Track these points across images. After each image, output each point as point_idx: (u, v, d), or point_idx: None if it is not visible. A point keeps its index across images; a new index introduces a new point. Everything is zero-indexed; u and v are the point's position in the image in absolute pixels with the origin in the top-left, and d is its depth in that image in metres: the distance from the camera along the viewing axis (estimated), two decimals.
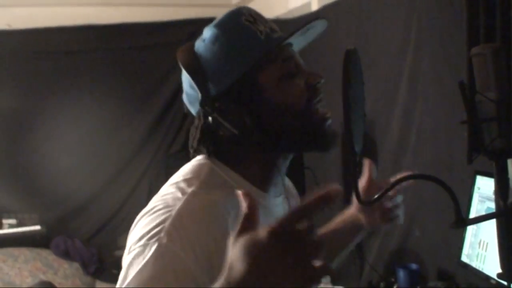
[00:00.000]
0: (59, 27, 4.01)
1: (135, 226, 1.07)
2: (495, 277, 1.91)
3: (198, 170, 1.15)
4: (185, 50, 1.17)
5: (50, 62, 4.06)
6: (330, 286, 2.34)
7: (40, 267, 3.76)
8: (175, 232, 1.00)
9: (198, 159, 1.19)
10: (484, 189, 2.15)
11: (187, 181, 1.12)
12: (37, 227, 3.92)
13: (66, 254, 3.89)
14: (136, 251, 1.00)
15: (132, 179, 4.06)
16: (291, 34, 1.14)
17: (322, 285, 2.33)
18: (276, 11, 4.01)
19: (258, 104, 1.13)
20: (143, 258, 0.98)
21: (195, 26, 3.68)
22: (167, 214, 1.03)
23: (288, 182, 1.37)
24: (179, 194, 1.08)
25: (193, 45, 1.18)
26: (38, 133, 4.03)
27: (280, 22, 3.83)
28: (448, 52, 2.35)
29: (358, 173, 1.23)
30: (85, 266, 3.89)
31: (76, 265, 3.87)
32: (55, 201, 4.07)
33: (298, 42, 1.23)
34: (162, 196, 1.10)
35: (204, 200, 1.07)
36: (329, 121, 1.19)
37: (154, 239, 1.00)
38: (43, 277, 3.63)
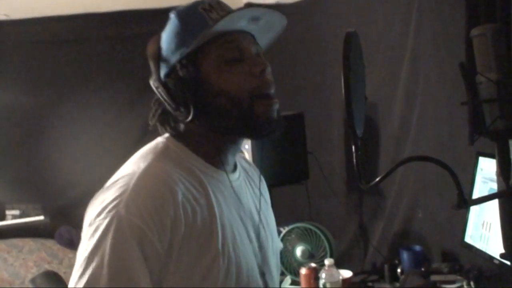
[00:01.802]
0: (58, 16, 3.98)
1: (94, 200, 1.13)
2: (498, 258, 1.92)
3: (152, 147, 1.23)
4: (154, 37, 1.26)
5: (50, 52, 4.03)
6: (335, 268, 2.35)
7: (44, 257, 3.77)
8: (133, 204, 1.06)
9: (157, 138, 1.27)
10: (487, 170, 2.15)
11: (143, 156, 1.19)
12: (41, 218, 3.93)
13: (70, 244, 3.90)
14: (96, 223, 1.07)
15: None
16: (223, 17, 1.15)
17: (326, 267, 2.33)
18: None
19: (197, 86, 1.17)
20: (104, 231, 1.05)
21: None
22: (125, 188, 1.09)
23: (245, 163, 1.45)
24: (135, 168, 1.14)
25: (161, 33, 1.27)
26: (39, 123, 4.02)
27: (282, 7, 3.85)
28: (450, 34, 2.34)
29: (360, 156, 1.22)
30: None
31: None
32: (58, 191, 4.07)
33: (260, 36, 1.25)
34: (120, 171, 1.17)
35: (158, 171, 1.14)
36: (274, 110, 1.20)
37: (113, 212, 1.06)
38: (48, 267, 3.64)
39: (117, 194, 1.09)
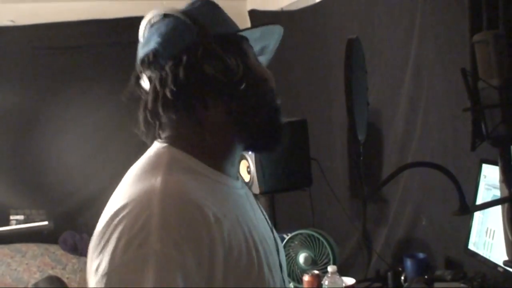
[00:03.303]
0: (63, 22, 4.01)
1: (106, 236, 0.95)
2: (502, 265, 1.91)
3: (157, 160, 1.08)
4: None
5: (55, 58, 4.06)
6: (338, 276, 2.34)
7: (48, 263, 3.77)
8: (166, 235, 0.91)
9: (152, 150, 1.14)
10: (490, 177, 2.14)
11: (150, 171, 1.04)
12: (45, 223, 3.94)
13: (74, 249, 3.91)
14: (125, 262, 0.90)
15: None
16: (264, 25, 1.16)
17: (329, 275, 2.33)
18: (281, 2, 4.00)
19: (246, 65, 1.11)
20: (140, 270, 0.88)
21: None
22: (147, 213, 0.93)
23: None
24: (148, 187, 0.99)
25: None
26: (44, 129, 4.04)
27: (285, 14, 3.86)
28: (454, 40, 2.33)
29: (362, 162, 1.22)
30: None
31: (84, 259, 3.86)
32: (62, 197, 4.09)
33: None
34: (125, 194, 1.00)
35: (179, 187, 0.99)
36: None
37: (144, 248, 0.90)
38: (51, 272, 3.65)
39: (140, 223, 0.92)
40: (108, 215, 0.98)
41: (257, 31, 1.17)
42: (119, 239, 0.91)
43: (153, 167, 1.05)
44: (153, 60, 1.08)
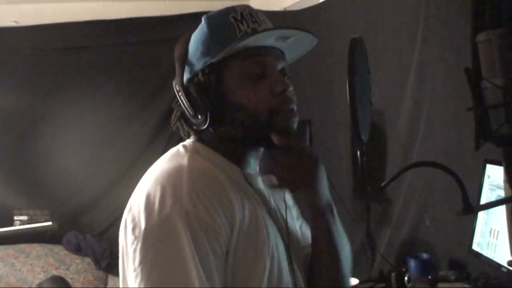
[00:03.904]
0: (66, 23, 4.01)
1: (137, 197, 1.10)
2: (506, 265, 1.90)
3: (183, 150, 1.20)
4: (183, 38, 1.23)
5: (58, 58, 4.06)
6: None
7: (52, 263, 3.78)
8: (196, 197, 1.03)
9: (175, 147, 1.24)
10: (494, 177, 2.14)
11: (176, 155, 1.18)
12: (49, 223, 3.94)
13: (78, 250, 3.91)
14: (162, 220, 1.02)
15: (143, 173, 4.00)
16: (251, 35, 1.15)
17: None
18: (284, 2, 3.99)
19: (217, 97, 1.16)
20: (173, 228, 1.01)
21: None
22: (179, 182, 1.06)
23: None
24: (176, 164, 1.13)
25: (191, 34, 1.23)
26: (48, 129, 4.04)
27: (288, 14, 3.85)
28: (457, 40, 2.33)
29: (366, 162, 1.22)
30: (97, 261, 3.90)
31: (88, 260, 3.89)
32: (66, 197, 4.09)
33: (288, 53, 1.25)
34: (158, 169, 1.15)
35: (202, 166, 1.13)
36: (293, 122, 1.22)
37: (177, 206, 1.02)
38: (55, 273, 3.65)
39: (173, 188, 1.06)
40: (139, 187, 1.13)
41: (274, 33, 1.17)
42: (150, 200, 1.05)
43: (179, 154, 1.18)
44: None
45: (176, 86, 1.20)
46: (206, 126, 1.16)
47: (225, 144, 1.20)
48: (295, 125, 1.20)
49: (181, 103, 1.19)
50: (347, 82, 1.10)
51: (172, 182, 1.07)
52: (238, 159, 1.21)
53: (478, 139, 1.12)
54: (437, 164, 1.12)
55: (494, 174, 2.14)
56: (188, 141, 1.24)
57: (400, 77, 2.79)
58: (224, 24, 1.17)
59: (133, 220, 1.07)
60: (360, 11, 3.12)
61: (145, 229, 1.03)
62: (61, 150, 4.06)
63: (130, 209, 1.10)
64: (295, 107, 1.21)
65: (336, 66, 3.21)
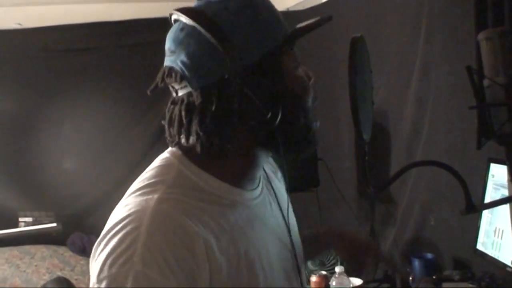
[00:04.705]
0: (70, 25, 4.02)
1: (101, 246, 0.97)
2: (511, 265, 1.90)
3: (164, 173, 1.06)
4: (198, 13, 1.02)
5: (63, 60, 4.07)
6: (345, 276, 2.34)
7: (57, 264, 3.79)
8: (149, 255, 0.92)
9: (163, 158, 1.10)
10: (498, 176, 2.13)
11: (152, 185, 1.03)
12: (53, 225, 3.94)
13: (82, 251, 3.92)
14: (109, 278, 0.91)
15: None
16: (311, 28, 1.09)
17: (336, 275, 2.32)
18: (287, 3, 3.99)
19: (279, 88, 1.04)
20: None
21: None
22: (136, 233, 0.94)
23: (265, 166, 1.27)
24: (144, 204, 0.99)
25: (203, 10, 1.03)
26: (52, 131, 4.05)
27: (290, 14, 3.85)
28: (460, 39, 2.33)
29: (368, 161, 1.21)
30: None
31: None
32: (70, 198, 4.10)
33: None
34: (125, 207, 1.00)
35: (172, 208, 0.99)
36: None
37: (127, 266, 0.91)
38: (60, 274, 3.65)
39: (128, 242, 0.93)
40: (108, 226, 1.00)
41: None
42: (108, 254, 0.94)
43: (156, 182, 1.04)
44: (180, 80, 1.03)
45: (234, 78, 0.99)
46: (278, 120, 1.02)
47: (227, 159, 1.06)
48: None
49: (248, 97, 1.00)
50: (348, 82, 1.10)
51: (129, 231, 0.95)
52: (239, 176, 1.10)
53: (481, 137, 1.11)
54: (440, 163, 1.12)
55: (498, 173, 2.13)
56: (173, 155, 1.09)
57: (403, 76, 2.79)
58: (268, 9, 1.06)
59: (94, 257, 0.98)
60: (363, 10, 3.11)
61: (96, 281, 0.94)
62: (65, 152, 4.08)
63: (98, 245, 0.99)
64: None
65: (339, 65, 3.21)
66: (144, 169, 1.11)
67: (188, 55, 1.01)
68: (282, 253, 1.17)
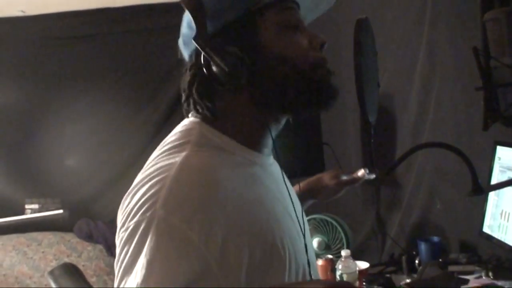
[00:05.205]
0: (73, 12, 4.00)
1: (126, 198, 1.00)
2: None
3: (186, 135, 1.07)
4: None
5: (66, 47, 4.06)
6: (351, 260, 2.33)
7: (64, 251, 3.81)
8: (173, 202, 0.92)
9: (184, 124, 1.12)
10: (505, 159, 2.12)
11: (178, 146, 1.05)
12: (60, 211, 3.96)
13: (89, 237, 3.93)
14: (132, 227, 0.92)
15: None
16: None
17: (342, 259, 2.32)
18: None
19: (254, 49, 1.05)
20: (141, 236, 0.90)
21: None
22: (162, 183, 0.94)
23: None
24: (172, 160, 1.00)
25: None
26: (57, 117, 4.05)
27: None
28: (466, 21, 2.30)
29: (373, 144, 1.21)
30: (108, 248, 3.93)
31: (99, 247, 3.92)
32: (77, 185, 4.11)
33: (304, 12, 1.16)
34: (152, 166, 1.02)
35: (200, 162, 1.00)
36: (332, 78, 1.12)
37: (149, 212, 0.91)
38: (67, 260, 3.67)
39: (152, 191, 0.94)
40: (136, 181, 1.02)
41: None
42: (134, 204, 0.95)
43: (181, 143, 1.06)
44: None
45: (199, 42, 1.01)
46: (243, 82, 1.03)
47: (246, 118, 1.09)
48: (333, 82, 1.11)
49: (212, 61, 1.02)
50: (353, 64, 1.09)
51: (155, 183, 0.96)
52: (255, 140, 1.12)
53: (487, 119, 1.10)
54: (446, 145, 1.11)
55: (504, 156, 2.12)
56: (193, 121, 1.11)
57: (409, 59, 2.77)
58: None
59: (124, 200, 1.01)
60: None
61: (123, 226, 0.96)
62: (71, 138, 4.08)
63: (126, 198, 1.01)
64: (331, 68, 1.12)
65: (344, 48, 3.18)
66: (151, 153, 1.11)
67: (181, 29, 1.12)
68: (292, 226, 1.16)
